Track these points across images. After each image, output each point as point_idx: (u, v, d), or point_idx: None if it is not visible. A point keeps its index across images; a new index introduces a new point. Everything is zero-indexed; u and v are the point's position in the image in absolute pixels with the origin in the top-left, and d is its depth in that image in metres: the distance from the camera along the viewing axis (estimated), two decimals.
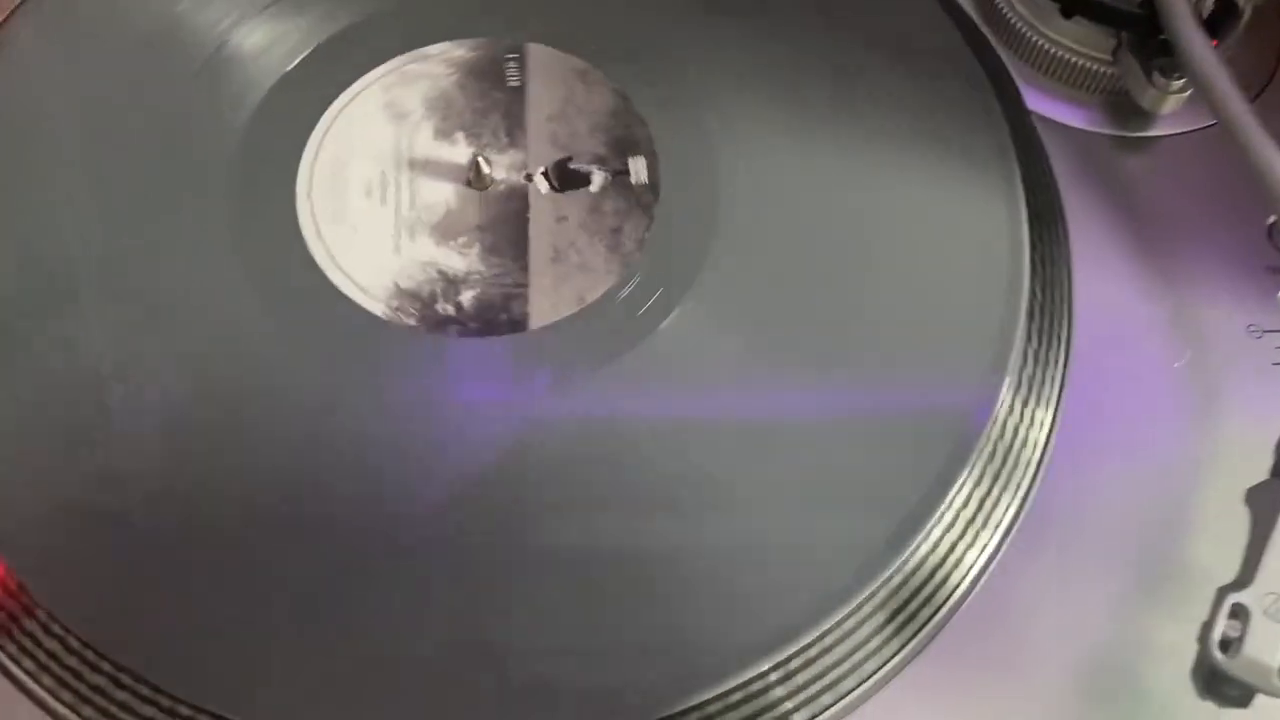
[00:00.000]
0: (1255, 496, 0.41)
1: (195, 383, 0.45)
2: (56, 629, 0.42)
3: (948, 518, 0.43)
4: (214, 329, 0.46)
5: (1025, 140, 0.52)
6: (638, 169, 0.50)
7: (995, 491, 0.45)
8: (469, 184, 0.50)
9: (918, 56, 0.52)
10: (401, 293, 0.47)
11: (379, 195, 0.49)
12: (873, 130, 0.50)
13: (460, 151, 0.50)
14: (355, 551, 0.42)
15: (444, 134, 0.51)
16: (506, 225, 0.49)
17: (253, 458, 0.44)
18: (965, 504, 0.44)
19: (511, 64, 0.52)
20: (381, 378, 0.45)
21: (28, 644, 0.42)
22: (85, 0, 0.53)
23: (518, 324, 0.47)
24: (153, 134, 0.50)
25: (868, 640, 0.42)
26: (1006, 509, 0.45)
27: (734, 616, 0.41)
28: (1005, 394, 0.45)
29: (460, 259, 0.48)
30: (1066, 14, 0.54)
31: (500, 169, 0.50)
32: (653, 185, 0.49)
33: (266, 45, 0.52)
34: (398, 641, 0.41)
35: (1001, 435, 0.45)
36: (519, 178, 0.50)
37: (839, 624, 0.42)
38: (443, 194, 0.50)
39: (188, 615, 0.41)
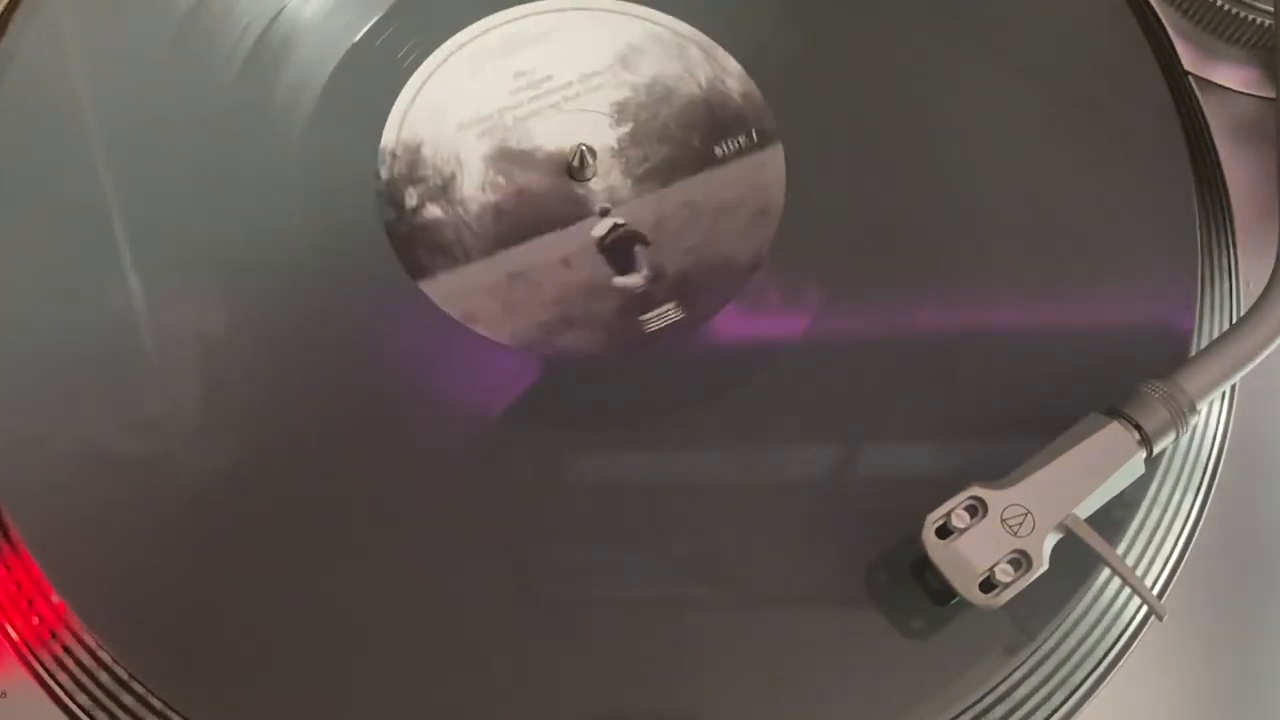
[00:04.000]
0: (1082, 423, 0.38)
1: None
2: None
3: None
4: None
5: (1184, 102, 0.48)
6: (662, 317, 0.44)
7: (1176, 497, 0.42)
8: (568, 168, 0.46)
9: (1074, 20, 0.49)
10: (415, 153, 0.46)
11: (522, 84, 0.47)
12: (1035, 104, 0.47)
13: (607, 135, 0.46)
14: None
15: (622, 112, 0.47)
16: (535, 214, 0.45)
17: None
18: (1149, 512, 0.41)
19: (741, 141, 0.47)
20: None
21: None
22: None
23: (416, 271, 0.44)
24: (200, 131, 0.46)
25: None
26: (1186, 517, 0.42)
27: None
28: None
29: (476, 188, 0.45)
30: None
31: (602, 182, 0.46)
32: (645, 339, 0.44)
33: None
34: None
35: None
36: (598, 203, 0.46)
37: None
38: (546, 143, 0.46)
39: None
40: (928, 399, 0.42)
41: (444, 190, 0.45)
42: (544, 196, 0.45)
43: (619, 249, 0.45)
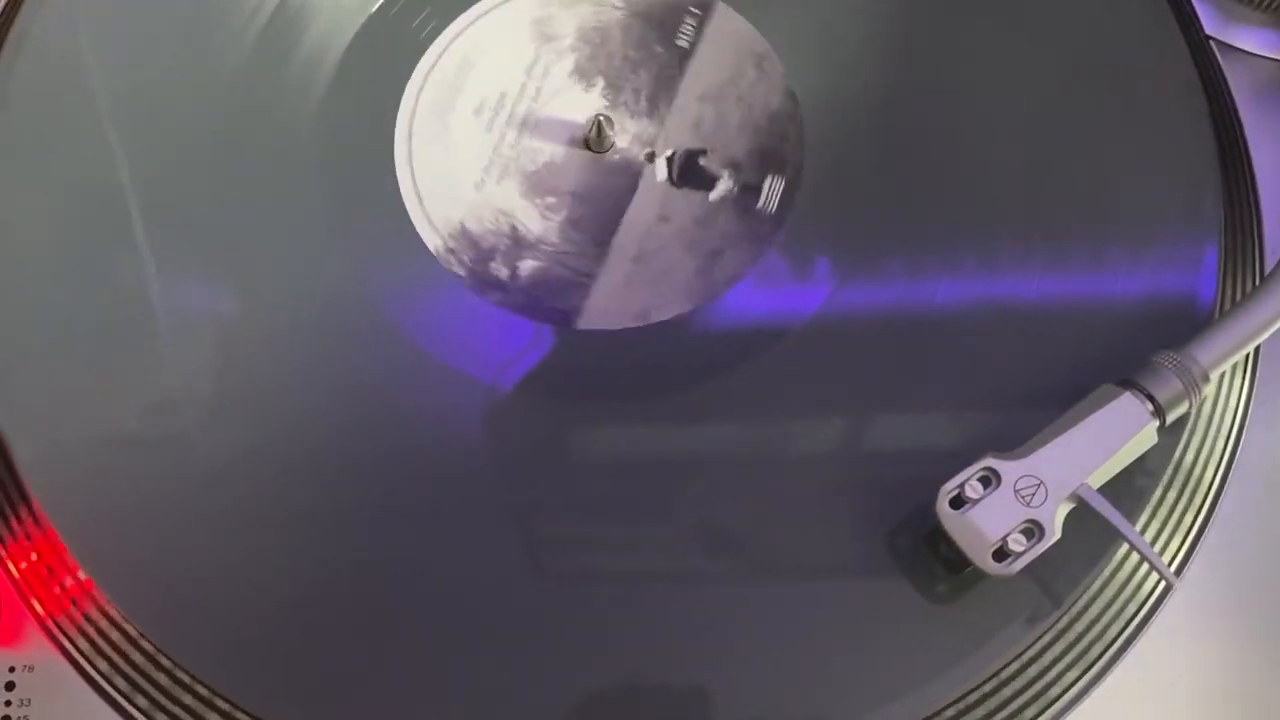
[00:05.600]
0: (1095, 394, 0.38)
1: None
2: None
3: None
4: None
5: (1205, 67, 0.48)
6: (771, 192, 0.45)
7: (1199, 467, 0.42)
8: (585, 142, 0.45)
9: None
10: (464, 234, 0.44)
11: (488, 118, 0.46)
12: (1054, 71, 0.46)
13: (592, 100, 0.46)
14: None
15: (583, 74, 0.46)
16: (603, 201, 0.45)
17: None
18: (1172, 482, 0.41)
19: (689, 21, 0.47)
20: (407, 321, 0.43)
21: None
22: None
23: (565, 318, 0.42)
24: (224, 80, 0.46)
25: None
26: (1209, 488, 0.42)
27: None
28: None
29: (539, 220, 0.44)
30: None
31: (625, 136, 0.46)
32: (779, 218, 0.44)
33: None
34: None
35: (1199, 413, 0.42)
36: (640, 153, 0.45)
37: None
38: (552, 141, 0.45)
39: None
40: (945, 370, 0.42)
41: (517, 245, 0.44)
42: (597, 184, 0.45)
43: (689, 173, 0.45)
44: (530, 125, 0.46)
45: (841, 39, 0.48)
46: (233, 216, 0.44)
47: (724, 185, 0.45)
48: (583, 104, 0.46)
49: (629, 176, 0.45)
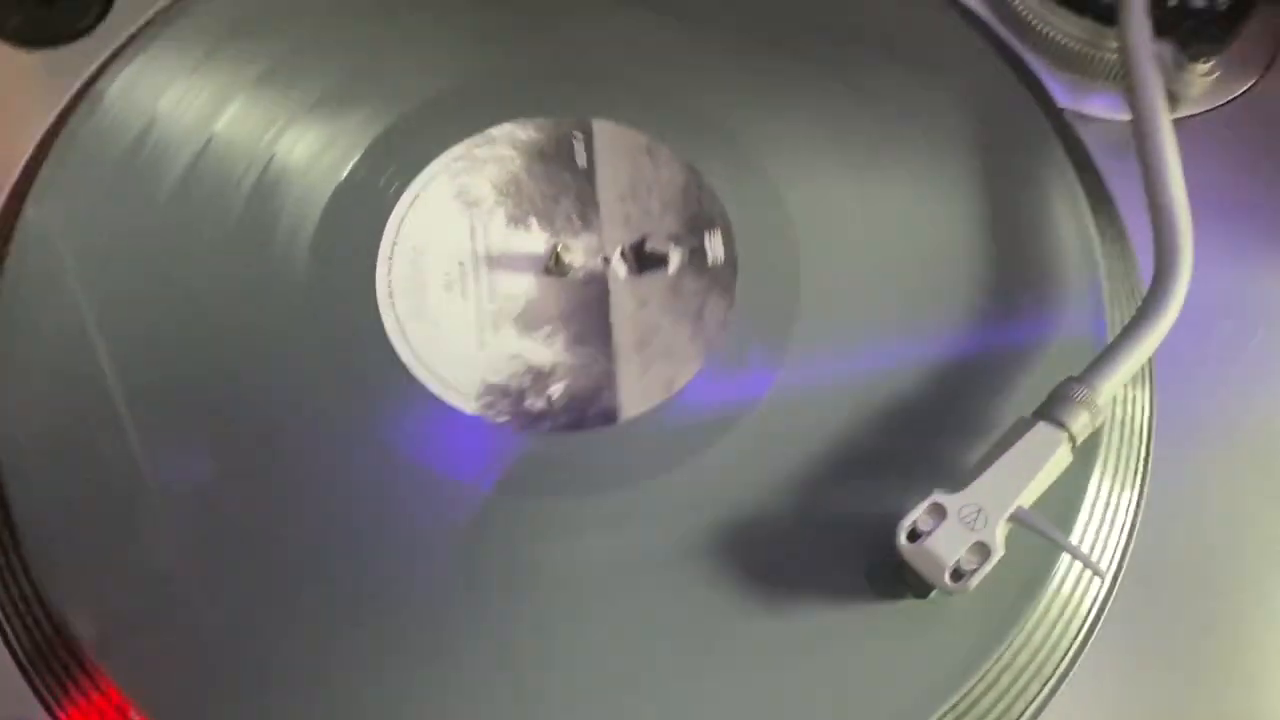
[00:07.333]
0: (1013, 426, 0.43)
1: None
2: None
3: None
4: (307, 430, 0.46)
5: (1066, 136, 0.54)
6: (714, 246, 0.50)
7: (1117, 488, 0.47)
8: (548, 271, 0.50)
9: (953, 77, 0.54)
10: (491, 388, 0.48)
11: (459, 289, 0.50)
12: (932, 164, 0.52)
13: (536, 238, 0.50)
14: None
15: (517, 221, 0.51)
16: (589, 312, 0.49)
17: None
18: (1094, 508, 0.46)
19: (578, 144, 0.52)
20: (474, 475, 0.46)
21: None
22: (112, 134, 0.51)
23: (609, 416, 0.47)
24: (213, 259, 0.49)
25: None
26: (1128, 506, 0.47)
27: None
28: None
29: (546, 350, 0.48)
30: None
31: (577, 254, 0.50)
32: (730, 261, 0.50)
33: (319, 150, 0.52)
34: None
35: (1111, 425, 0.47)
36: (597, 262, 0.50)
37: None
38: (522, 284, 0.50)
39: None
40: (889, 428, 0.47)
41: (539, 377, 0.48)
42: (577, 300, 0.49)
43: (643, 261, 0.50)
44: (496, 277, 0.50)
45: (731, 135, 0.53)
46: (224, 388, 0.47)
47: (675, 257, 0.50)
48: (530, 243, 0.50)
49: (598, 284, 0.50)
